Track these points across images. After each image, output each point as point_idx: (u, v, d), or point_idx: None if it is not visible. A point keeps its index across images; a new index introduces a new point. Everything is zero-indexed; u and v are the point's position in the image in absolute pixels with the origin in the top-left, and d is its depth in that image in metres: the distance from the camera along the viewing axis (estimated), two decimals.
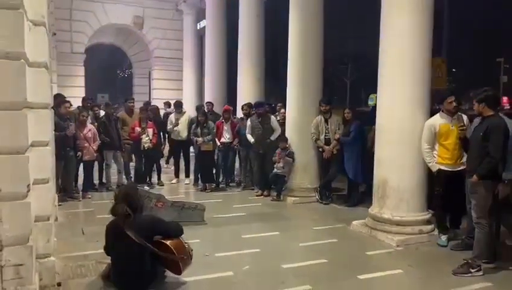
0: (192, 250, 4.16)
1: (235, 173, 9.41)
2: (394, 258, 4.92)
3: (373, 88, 6.16)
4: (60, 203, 6.90)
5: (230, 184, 9.08)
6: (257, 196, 8.11)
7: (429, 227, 5.59)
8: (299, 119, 7.70)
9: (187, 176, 9.33)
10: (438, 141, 5.23)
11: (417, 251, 5.15)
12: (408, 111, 5.40)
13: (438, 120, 5.25)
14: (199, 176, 8.84)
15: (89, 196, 7.74)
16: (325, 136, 7.54)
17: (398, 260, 4.84)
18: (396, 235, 5.40)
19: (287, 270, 4.49)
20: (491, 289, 4.09)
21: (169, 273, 4.12)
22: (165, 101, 10.79)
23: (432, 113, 5.53)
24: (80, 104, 8.71)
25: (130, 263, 3.82)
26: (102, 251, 4.14)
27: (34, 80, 3.61)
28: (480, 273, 4.34)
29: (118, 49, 18.20)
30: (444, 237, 5.33)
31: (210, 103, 10.00)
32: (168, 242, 3.94)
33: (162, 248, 3.90)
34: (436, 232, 5.54)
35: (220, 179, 8.89)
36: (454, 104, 5.12)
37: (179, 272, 4.01)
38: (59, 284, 3.97)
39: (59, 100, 7.36)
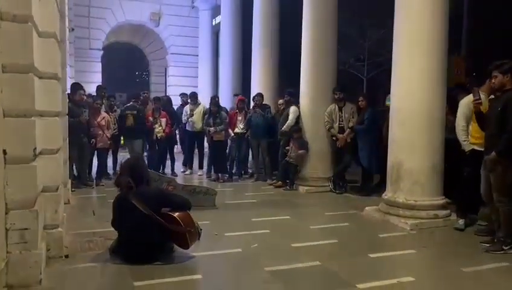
0: (201, 229, 4.12)
1: (248, 165, 9.36)
2: (407, 240, 4.79)
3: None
4: (73, 189, 6.95)
5: (244, 176, 9.02)
6: (271, 185, 8.01)
7: (445, 212, 5.42)
8: (312, 107, 7.61)
9: (200, 167, 9.31)
10: (474, 121, 4.97)
11: (432, 234, 5.00)
12: (425, 91, 5.25)
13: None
14: (212, 166, 8.81)
15: (102, 184, 7.77)
16: (339, 124, 7.43)
17: (412, 241, 4.70)
18: (410, 219, 5.25)
19: (296, 248, 4.39)
20: (506, 269, 3.90)
21: (177, 249, 4.07)
22: (180, 93, 10.72)
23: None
24: (94, 92, 8.76)
25: (137, 234, 3.79)
26: (112, 228, 4.13)
27: (45, 89, 3.66)
28: None
29: (136, 48, 18.37)
30: (461, 221, 5.15)
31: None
32: (175, 214, 3.90)
33: (169, 220, 3.86)
34: (452, 217, 5.38)
35: (234, 171, 8.84)
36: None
37: (186, 245, 3.96)
38: (67, 256, 3.97)
39: (74, 87, 7.46)
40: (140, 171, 3.98)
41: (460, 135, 5.13)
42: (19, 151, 3.19)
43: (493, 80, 4.37)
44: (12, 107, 3.16)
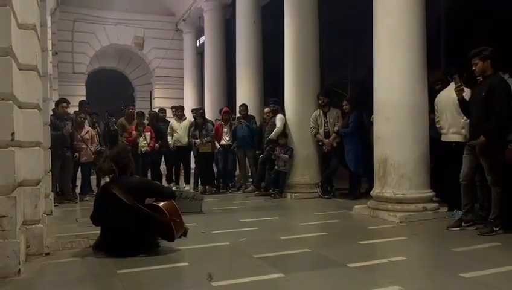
0: (188, 228, 4.03)
1: (235, 178, 9.25)
2: (397, 230, 4.73)
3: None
4: (56, 204, 6.76)
5: (231, 189, 8.90)
6: (256, 194, 7.93)
7: (434, 205, 5.40)
8: (297, 114, 7.64)
9: (187, 182, 9.17)
10: None
11: (422, 225, 4.95)
12: (406, 83, 5.31)
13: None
14: (199, 179, 8.70)
15: (87, 199, 7.57)
16: (325, 129, 7.45)
17: (402, 231, 4.64)
18: (399, 212, 5.20)
19: (286, 240, 4.30)
20: (496, 249, 3.86)
21: (162, 243, 3.95)
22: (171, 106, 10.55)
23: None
24: (77, 109, 8.68)
25: (119, 227, 3.67)
26: (94, 230, 4.00)
27: (24, 119, 3.63)
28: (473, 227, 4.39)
29: (121, 75, 18.40)
30: (460, 212, 5.04)
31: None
32: (160, 204, 3.81)
33: (153, 210, 3.76)
34: (441, 210, 5.35)
35: (220, 183, 8.74)
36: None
37: (171, 235, 3.85)
38: (47, 254, 3.81)
39: (58, 101, 7.42)
40: (125, 160, 3.89)
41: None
42: None
43: (474, 68, 4.45)
44: None
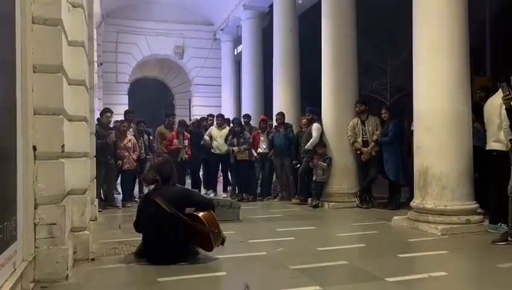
0: (225, 237, 4.10)
1: (272, 186, 9.28)
2: (439, 243, 4.60)
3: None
4: (100, 210, 7.04)
5: (268, 197, 8.93)
6: (293, 202, 7.93)
7: (477, 217, 5.22)
8: (335, 123, 7.60)
9: (225, 189, 9.30)
10: None
11: (465, 238, 4.80)
12: (447, 92, 5.19)
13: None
14: (236, 186, 8.80)
15: (129, 205, 7.83)
16: (363, 138, 7.36)
17: (443, 244, 4.52)
18: (441, 224, 5.05)
19: (323, 251, 4.29)
20: None
21: (201, 252, 4.04)
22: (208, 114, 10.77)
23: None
24: (123, 118, 9.02)
25: (161, 234, 3.79)
26: (137, 237, 4.15)
27: (73, 131, 3.85)
28: None
29: (161, 83, 18.91)
30: (505, 225, 4.85)
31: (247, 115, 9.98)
32: (200, 214, 3.91)
33: (192, 219, 3.86)
34: (485, 223, 5.17)
35: (258, 191, 8.80)
36: None
37: (210, 246, 3.93)
38: (93, 260, 3.99)
39: (103, 110, 7.74)
40: (168, 171, 4.03)
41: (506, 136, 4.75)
42: (47, 147, 3.30)
43: None
44: (41, 105, 3.29)
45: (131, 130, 8.49)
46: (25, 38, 3.15)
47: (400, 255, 4.05)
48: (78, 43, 4.00)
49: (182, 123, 9.05)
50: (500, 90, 4.55)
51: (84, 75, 4.12)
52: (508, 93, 4.34)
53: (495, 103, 4.86)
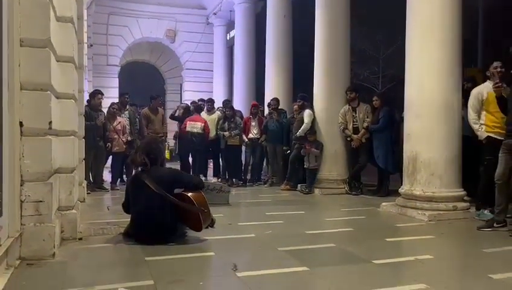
0: (215, 219, 4.09)
1: (263, 172, 9.29)
2: (425, 228, 4.65)
3: None
4: (88, 192, 6.99)
5: (258, 182, 8.94)
6: (282, 188, 7.94)
7: (464, 204, 5.28)
8: (326, 110, 7.59)
9: (215, 174, 9.29)
10: (487, 110, 4.99)
11: (451, 225, 4.85)
12: (438, 80, 5.20)
13: (486, 88, 5.01)
14: (226, 171, 8.79)
15: (117, 188, 7.80)
16: (353, 125, 7.36)
17: (430, 229, 4.57)
18: (428, 211, 5.11)
19: (311, 235, 4.32)
20: None
21: (189, 233, 4.04)
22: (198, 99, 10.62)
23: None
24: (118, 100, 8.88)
25: (150, 215, 3.78)
26: (125, 218, 4.13)
27: (61, 109, 3.78)
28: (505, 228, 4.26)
29: (153, 67, 18.72)
30: (487, 211, 4.98)
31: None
32: (189, 194, 3.89)
33: (181, 199, 3.84)
34: (472, 209, 5.24)
35: (248, 177, 8.80)
36: (499, 69, 4.80)
37: (199, 226, 3.92)
38: (80, 239, 3.96)
39: (94, 92, 7.66)
40: (156, 152, 4.00)
41: (473, 125, 5.13)
42: (34, 123, 3.25)
43: None
44: (28, 80, 3.22)
45: (126, 112, 8.38)
46: (12, 11, 3.08)
47: (387, 239, 4.08)
48: (67, 18, 3.92)
49: (186, 108, 9.07)
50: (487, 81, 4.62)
51: (72, 52, 4.04)
52: (498, 81, 4.39)
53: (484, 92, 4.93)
